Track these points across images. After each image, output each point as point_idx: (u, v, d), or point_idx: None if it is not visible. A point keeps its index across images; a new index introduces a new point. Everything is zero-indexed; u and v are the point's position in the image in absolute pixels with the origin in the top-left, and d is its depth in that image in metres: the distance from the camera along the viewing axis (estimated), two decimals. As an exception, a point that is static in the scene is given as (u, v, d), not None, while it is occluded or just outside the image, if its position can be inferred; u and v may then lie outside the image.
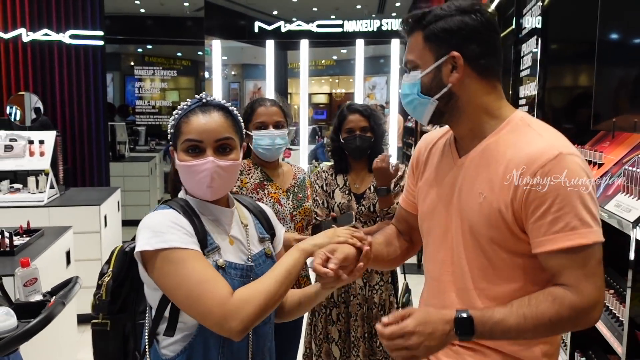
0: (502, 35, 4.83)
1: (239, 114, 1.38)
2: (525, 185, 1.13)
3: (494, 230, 1.19)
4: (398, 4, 9.44)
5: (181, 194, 1.37)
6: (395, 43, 6.47)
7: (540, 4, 2.46)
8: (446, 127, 1.38)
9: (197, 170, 1.27)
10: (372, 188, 2.41)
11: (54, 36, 6.72)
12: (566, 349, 2.13)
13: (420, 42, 1.26)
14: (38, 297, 1.93)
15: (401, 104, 1.41)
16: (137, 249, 1.21)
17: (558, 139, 1.18)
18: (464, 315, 1.13)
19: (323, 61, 15.36)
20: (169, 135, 1.36)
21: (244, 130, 1.56)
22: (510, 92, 3.15)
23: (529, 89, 2.60)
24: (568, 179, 1.11)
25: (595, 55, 2.22)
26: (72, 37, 6.79)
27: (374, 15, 6.93)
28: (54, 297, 1.89)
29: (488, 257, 1.22)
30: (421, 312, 1.16)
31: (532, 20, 2.61)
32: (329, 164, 2.63)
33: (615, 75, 2.22)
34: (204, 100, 1.33)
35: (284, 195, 2.21)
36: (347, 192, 2.45)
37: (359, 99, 6.74)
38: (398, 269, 2.49)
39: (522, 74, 2.76)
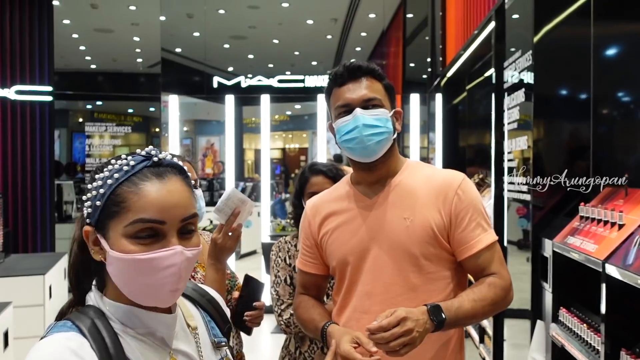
0: (469, 87, 4.85)
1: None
2: (452, 202, 1.44)
3: (425, 247, 1.43)
4: (353, 61, 9.55)
5: (93, 298, 0.93)
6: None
7: (527, 57, 2.38)
8: (326, 190, 1.66)
9: (159, 266, 0.85)
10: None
11: (-3, 91, 6.36)
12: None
13: (381, 90, 1.48)
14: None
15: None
16: None
17: (452, 170, 1.56)
18: (433, 304, 1.32)
19: (277, 116, 15.39)
20: (87, 209, 0.90)
21: None
22: (493, 145, 3.05)
23: (518, 144, 2.48)
24: (475, 195, 1.49)
25: (591, 109, 2.13)
26: (18, 92, 6.44)
27: (328, 72, 6.93)
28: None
29: (420, 273, 1.43)
30: (401, 308, 1.27)
31: (516, 74, 2.53)
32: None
33: (616, 128, 2.14)
34: (155, 159, 0.91)
35: (200, 269, 1.84)
36: None
37: (322, 153, 6.61)
38: None
39: (508, 127, 2.65)
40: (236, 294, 1.90)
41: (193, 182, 1.63)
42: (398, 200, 1.48)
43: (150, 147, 0.93)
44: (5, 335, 2.82)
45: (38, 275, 3.61)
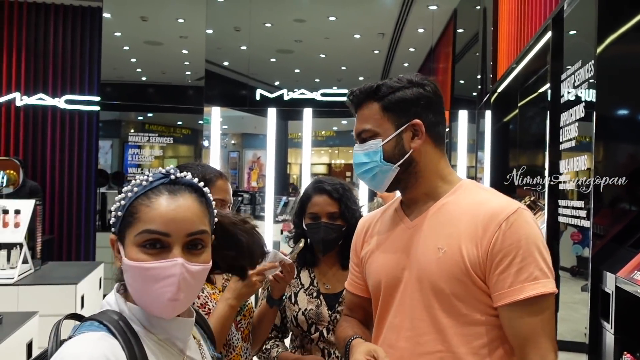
0: (521, 104, 4.59)
1: (211, 197, 1.05)
2: (492, 236, 1.19)
3: (455, 284, 1.21)
4: (401, 76, 9.39)
5: (112, 300, 0.99)
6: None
7: (588, 68, 2.15)
8: (383, 207, 1.48)
9: (159, 275, 0.92)
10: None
11: (48, 101, 6.52)
12: None
13: (378, 112, 1.30)
14: None
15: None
16: None
17: (511, 198, 1.28)
18: None
19: (323, 132, 15.37)
20: (112, 219, 1.00)
21: None
22: (547, 163, 2.81)
23: (576, 164, 2.25)
24: (528, 232, 1.19)
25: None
26: (68, 102, 6.59)
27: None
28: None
29: (451, 315, 1.22)
30: None
31: (574, 88, 2.30)
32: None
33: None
34: (172, 177, 0.99)
35: (216, 297, 1.61)
36: (314, 294, 1.87)
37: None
38: None
39: (564, 146, 2.42)
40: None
41: (220, 204, 1.55)
42: (436, 226, 1.28)
43: (171, 166, 1.01)
44: (29, 345, 2.76)
45: (70, 285, 3.58)
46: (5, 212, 3.65)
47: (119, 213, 0.97)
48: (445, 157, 1.35)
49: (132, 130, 8.05)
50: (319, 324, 1.80)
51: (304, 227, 1.88)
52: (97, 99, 6.61)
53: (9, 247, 3.70)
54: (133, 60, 8.13)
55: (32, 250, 3.89)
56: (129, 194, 0.97)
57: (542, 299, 1.17)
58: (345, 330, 1.43)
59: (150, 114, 8.20)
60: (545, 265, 1.18)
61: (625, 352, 1.78)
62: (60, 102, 6.55)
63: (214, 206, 1.04)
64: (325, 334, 1.79)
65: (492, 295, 1.21)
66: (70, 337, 0.91)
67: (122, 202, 0.97)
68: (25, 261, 3.70)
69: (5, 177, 5.85)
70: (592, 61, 2.12)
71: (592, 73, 2.13)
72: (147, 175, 0.98)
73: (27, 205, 3.77)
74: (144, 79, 8.54)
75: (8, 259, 3.65)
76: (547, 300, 1.18)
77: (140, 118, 8.26)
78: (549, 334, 1.19)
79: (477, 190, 1.32)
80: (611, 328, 1.85)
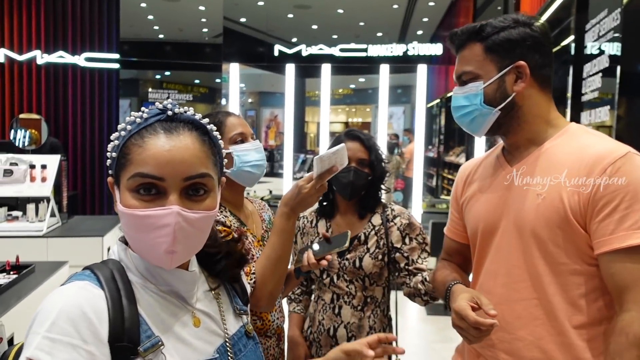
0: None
1: (218, 134, 0.94)
2: (596, 181, 1.12)
3: (554, 231, 1.17)
4: (420, 32, 9.22)
5: (116, 251, 0.91)
6: (421, 69, 6.17)
7: (614, 17, 2.11)
8: (484, 154, 1.44)
9: (153, 224, 0.81)
10: (362, 239, 1.88)
11: (68, 58, 6.56)
12: None
13: (480, 54, 1.25)
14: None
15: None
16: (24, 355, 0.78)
17: (620, 142, 1.18)
18: None
19: (340, 90, 15.23)
20: (108, 160, 0.89)
21: None
22: (569, 115, 2.79)
23: (597, 115, 2.24)
24: (637, 177, 1.11)
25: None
26: (88, 59, 6.62)
27: (393, 43, 6.69)
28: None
29: (549, 263, 1.19)
30: None
31: (598, 42, 2.26)
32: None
33: None
34: (170, 113, 0.87)
35: (257, 246, 1.57)
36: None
37: (382, 127, 6.42)
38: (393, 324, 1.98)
39: (586, 97, 2.39)
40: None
41: (240, 138, 1.52)
42: (537, 171, 1.23)
43: (169, 100, 0.88)
44: (61, 293, 2.89)
45: (97, 237, 3.69)
46: (32, 167, 3.75)
47: (113, 154, 0.87)
48: (552, 101, 1.29)
49: (150, 89, 8.08)
50: (330, 271, 1.86)
51: None
52: (117, 56, 6.62)
53: (36, 201, 3.82)
54: (150, 17, 8.09)
55: (59, 205, 4.00)
56: (122, 133, 0.86)
57: None
58: (445, 275, 1.41)
59: (167, 73, 8.20)
60: None
61: None
62: (80, 60, 6.58)
63: (222, 145, 0.95)
64: (335, 280, 1.85)
65: (592, 242, 1.15)
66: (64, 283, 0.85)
67: (116, 142, 0.86)
68: (52, 214, 3.81)
69: (29, 135, 5.96)
70: (619, 9, 2.08)
71: (617, 22, 2.09)
72: (142, 112, 0.87)
73: (52, 160, 3.86)
74: (161, 36, 8.51)
75: (36, 213, 3.77)
76: None
77: (158, 77, 8.27)
78: None
79: (584, 135, 1.25)
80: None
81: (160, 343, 0.83)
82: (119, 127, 0.87)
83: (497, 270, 1.29)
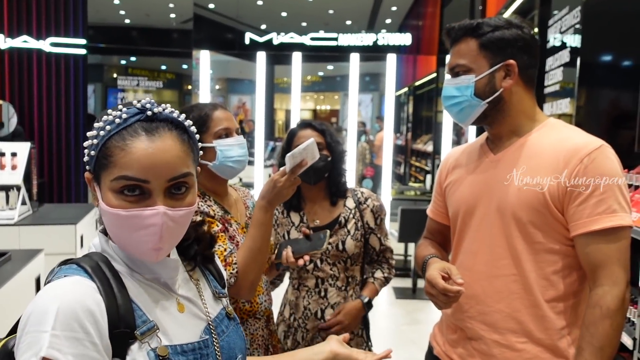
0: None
1: (194, 129, 0.95)
2: (573, 170, 1.24)
3: (533, 213, 1.29)
4: (389, 21, 9.32)
5: (98, 243, 0.93)
6: (391, 58, 6.27)
7: (574, 14, 2.24)
8: (467, 143, 1.57)
9: (139, 224, 0.84)
10: (342, 222, 1.96)
11: (33, 43, 6.40)
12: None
13: (475, 49, 1.35)
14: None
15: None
16: None
17: (594, 136, 1.31)
18: None
19: (309, 77, 15.23)
20: (85, 157, 0.88)
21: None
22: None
23: (559, 107, 2.37)
24: (611, 167, 1.24)
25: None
26: (53, 44, 6.48)
27: (363, 31, 6.77)
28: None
29: (527, 242, 1.30)
30: None
31: (560, 36, 2.39)
32: None
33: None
34: (149, 113, 0.87)
35: (241, 233, 1.62)
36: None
37: (352, 115, 6.52)
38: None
39: (548, 90, 2.53)
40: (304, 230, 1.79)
41: (225, 132, 1.56)
42: (519, 160, 1.36)
43: (147, 99, 0.88)
44: (37, 281, 2.89)
45: (70, 225, 3.68)
46: (2, 154, 3.70)
47: (92, 152, 0.86)
48: (534, 98, 1.40)
49: (116, 75, 7.96)
50: (312, 256, 1.90)
51: None
52: (83, 41, 6.50)
53: (6, 189, 3.77)
54: (116, 2, 7.95)
55: (29, 193, 3.96)
56: (102, 132, 0.85)
57: (619, 231, 1.22)
58: (424, 250, 1.56)
59: (133, 58, 8.08)
60: (623, 200, 1.24)
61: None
62: (45, 45, 6.44)
63: (206, 139, 1.00)
64: (319, 264, 1.93)
65: (569, 225, 1.27)
66: (47, 282, 0.85)
67: (95, 141, 0.86)
68: (23, 202, 3.78)
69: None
70: (579, 7, 2.20)
71: (577, 19, 2.22)
72: (121, 111, 0.86)
73: (22, 148, 3.82)
74: (127, 21, 8.37)
75: (7, 201, 3.73)
76: (623, 232, 1.24)
77: (123, 62, 8.13)
78: (623, 263, 1.23)
79: (560, 128, 1.37)
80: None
81: (155, 327, 0.86)
82: (96, 125, 0.87)
83: (478, 249, 1.40)
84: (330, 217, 1.96)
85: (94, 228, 4.36)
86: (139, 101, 0.87)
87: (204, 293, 1.00)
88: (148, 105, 0.87)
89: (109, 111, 0.87)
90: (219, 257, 1.38)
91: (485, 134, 1.49)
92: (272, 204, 1.45)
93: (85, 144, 0.87)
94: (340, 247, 1.93)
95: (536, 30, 3.03)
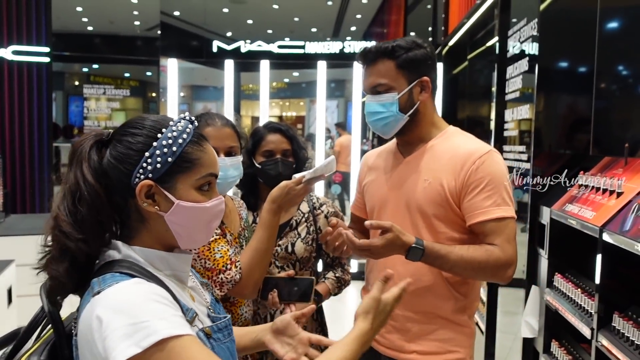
0: (470, 57, 4.83)
1: None
2: (467, 171, 1.49)
3: (436, 207, 1.53)
4: (353, 28, 9.46)
5: (120, 249, 0.96)
6: (357, 65, 6.38)
7: (532, 26, 2.37)
8: (381, 147, 1.80)
9: (216, 212, 1.02)
10: (293, 225, 1.99)
11: (-6, 51, 6.27)
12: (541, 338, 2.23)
13: (393, 69, 1.54)
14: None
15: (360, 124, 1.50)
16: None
17: (485, 143, 1.59)
18: (418, 247, 1.43)
19: (274, 84, 15.27)
20: (149, 165, 0.94)
21: None
22: (493, 113, 3.07)
23: (519, 113, 2.50)
24: (497, 169, 1.51)
25: (594, 81, 2.15)
26: (15, 52, 6.36)
27: (328, 39, 6.88)
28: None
29: (431, 231, 1.54)
30: (392, 234, 1.40)
31: (520, 43, 2.53)
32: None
33: (615, 102, 2.17)
34: (196, 123, 1.03)
35: (235, 244, 1.68)
36: None
37: (320, 121, 6.61)
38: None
39: (509, 97, 2.66)
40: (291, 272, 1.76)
41: (234, 148, 1.61)
42: (424, 163, 1.58)
43: (186, 113, 1.03)
44: (9, 292, 2.86)
45: (41, 235, 3.63)
46: (-33, 165, 3.64)
47: (169, 159, 0.94)
48: (435, 107, 1.64)
49: (77, 83, 7.83)
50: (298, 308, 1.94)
51: (257, 165, 1.95)
52: (47, 49, 6.40)
53: (-28, 200, 3.71)
54: (79, 9, 7.84)
55: (-5, 203, 3.90)
56: (179, 141, 0.95)
57: (505, 220, 1.49)
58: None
59: (95, 66, 7.95)
60: (507, 197, 1.50)
61: (556, 273, 2.08)
62: (7, 53, 6.31)
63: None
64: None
65: (465, 216, 1.53)
66: (97, 292, 0.86)
67: (174, 149, 0.94)
68: (-10, 214, 3.72)
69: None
70: (536, 19, 2.34)
71: (536, 31, 2.35)
72: (185, 122, 0.99)
73: (-11, 159, 3.76)
74: (90, 29, 8.25)
75: (-27, 212, 3.66)
76: (509, 222, 1.50)
77: (85, 70, 8.01)
78: (513, 244, 1.50)
79: (457, 135, 1.63)
80: (545, 254, 2.15)
81: (195, 313, 0.96)
82: (169, 135, 0.95)
83: None
84: (282, 219, 1.93)
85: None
86: (182, 117, 1.00)
87: (198, 283, 1.11)
88: (189, 117, 1.01)
89: (170, 123, 0.97)
90: (224, 256, 1.48)
91: (394, 140, 1.70)
92: (281, 208, 1.53)
93: (147, 153, 0.94)
94: (290, 249, 1.94)
95: (496, 39, 3.18)
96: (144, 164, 0.94)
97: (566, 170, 2.18)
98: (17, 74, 6.37)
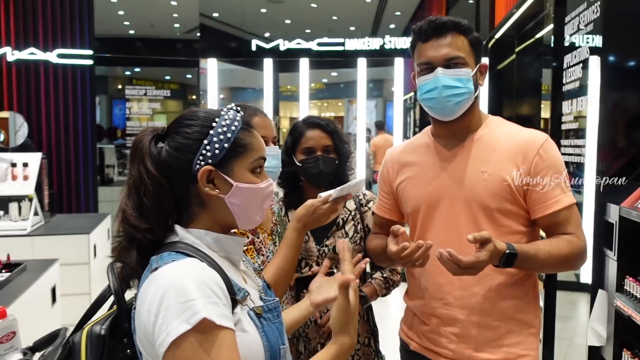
0: (518, 50, 4.63)
1: None
2: (532, 160, 1.41)
3: (500, 200, 1.42)
4: (392, 26, 9.31)
5: (178, 233, 1.02)
6: (398, 62, 6.25)
7: (594, 9, 2.20)
8: (406, 141, 1.71)
9: (267, 192, 1.08)
10: (340, 224, 1.88)
11: (40, 55, 6.41)
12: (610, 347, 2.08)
13: (467, 45, 1.45)
14: (17, 356, 1.53)
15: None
16: (170, 337, 0.85)
17: (537, 130, 1.52)
18: (511, 252, 1.32)
19: (313, 85, 15.24)
20: (208, 152, 1.01)
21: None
22: (550, 107, 2.89)
23: (580, 104, 2.34)
24: (558, 155, 1.47)
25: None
26: (60, 56, 6.49)
27: (413, 27, 6.73)
28: (37, 355, 1.52)
29: (493, 226, 1.42)
30: (491, 244, 1.28)
31: (579, 30, 2.36)
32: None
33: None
34: (241, 112, 1.10)
35: (269, 240, 1.65)
36: None
37: (361, 120, 6.49)
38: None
39: (567, 88, 2.49)
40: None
41: (276, 139, 1.58)
42: (477, 154, 1.48)
43: (232, 104, 1.10)
44: (53, 290, 2.86)
45: (83, 234, 3.66)
46: (14, 165, 3.69)
47: (225, 145, 1.01)
48: None
49: (120, 86, 7.96)
50: (308, 259, 1.85)
51: (297, 163, 1.86)
52: (89, 52, 6.50)
53: (18, 199, 3.76)
54: (121, 13, 7.97)
55: (40, 203, 3.95)
56: (232, 128, 1.02)
57: (572, 207, 1.44)
58: (377, 241, 1.65)
59: (137, 69, 8.08)
60: (568, 183, 1.45)
61: (627, 276, 1.91)
62: (52, 57, 6.45)
63: None
64: (314, 268, 1.83)
65: (534, 207, 1.43)
66: (155, 269, 0.92)
67: (229, 135, 1.01)
68: (35, 213, 3.76)
69: (2, 135, 5.82)
70: (598, 2, 2.17)
71: (597, 15, 2.18)
72: (233, 112, 1.05)
73: (34, 159, 3.81)
74: (132, 32, 8.39)
75: (19, 212, 3.71)
76: (574, 207, 1.45)
77: (128, 73, 8.15)
78: (581, 227, 1.46)
79: (505, 124, 1.54)
80: (614, 255, 1.98)
81: (247, 293, 1.00)
82: (224, 123, 1.02)
83: (446, 238, 1.45)
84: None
85: (107, 237, 4.33)
86: (229, 107, 1.07)
87: (250, 268, 1.16)
88: (237, 108, 1.07)
89: (222, 112, 1.04)
90: None
91: (423, 132, 1.62)
92: (306, 228, 1.47)
93: (206, 140, 1.00)
94: (337, 249, 1.86)
95: (549, 28, 3.00)
96: (203, 151, 1.00)
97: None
98: (62, 77, 6.50)
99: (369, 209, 1.92)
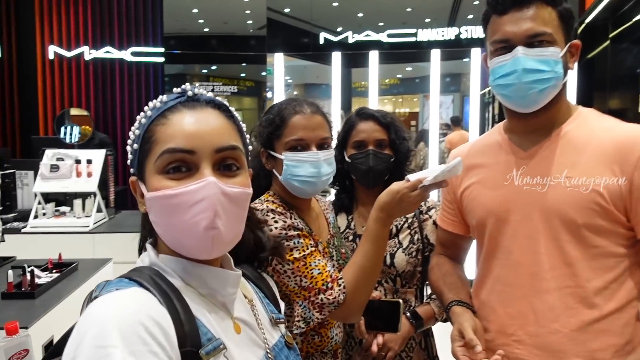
0: (617, 32, 4.14)
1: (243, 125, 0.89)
2: (635, 164, 1.08)
3: (589, 215, 1.12)
4: (470, 16, 8.83)
5: (146, 257, 0.84)
6: (475, 52, 5.84)
7: None
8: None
9: (189, 201, 0.74)
10: (393, 232, 1.63)
11: (115, 53, 6.58)
12: None
13: (555, 19, 1.15)
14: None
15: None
16: None
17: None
18: None
19: (387, 80, 14.94)
20: (129, 157, 0.83)
21: (268, 151, 1.35)
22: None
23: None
24: None
25: None
26: (134, 54, 6.63)
27: (442, 29, 6.40)
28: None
29: (581, 246, 1.13)
30: None
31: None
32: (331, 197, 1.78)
33: None
34: (190, 93, 0.83)
35: (326, 254, 1.41)
36: (350, 237, 1.67)
37: (434, 117, 6.14)
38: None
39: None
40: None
41: (328, 140, 1.34)
42: (561, 155, 1.17)
43: (187, 84, 0.85)
44: (106, 291, 2.81)
45: (136, 233, 3.62)
46: (78, 162, 3.71)
47: (135, 145, 0.81)
48: None
49: (197, 83, 8.06)
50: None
51: (347, 159, 1.65)
52: (161, 50, 6.60)
53: (83, 196, 3.78)
54: (195, 11, 8.06)
55: (106, 200, 3.96)
56: (143, 120, 0.81)
57: None
58: (440, 280, 1.38)
59: (214, 67, 8.17)
60: None
61: None
62: (126, 55, 6.60)
63: (244, 130, 0.89)
64: None
65: (636, 226, 1.12)
66: (94, 298, 0.75)
67: (137, 132, 0.81)
68: (99, 210, 3.77)
69: (78, 131, 6.00)
70: None
71: None
72: (161, 97, 0.84)
73: (98, 155, 3.82)
74: (206, 30, 8.47)
75: (83, 208, 3.73)
76: None
77: (204, 71, 8.26)
78: None
79: (600, 117, 1.22)
80: None
81: (222, 346, 0.76)
82: (139, 117, 0.82)
83: (519, 259, 1.21)
84: None
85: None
86: (182, 87, 0.84)
87: (260, 317, 0.91)
88: (188, 87, 0.83)
89: (150, 103, 0.83)
90: (322, 273, 1.21)
91: (495, 128, 1.32)
92: (392, 217, 1.23)
93: (128, 142, 0.82)
94: (389, 260, 1.60)
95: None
96: (130, 157, 0.83)
97: None
98: (136, 74, 6.65)
99: (430, 217, 1.67)
